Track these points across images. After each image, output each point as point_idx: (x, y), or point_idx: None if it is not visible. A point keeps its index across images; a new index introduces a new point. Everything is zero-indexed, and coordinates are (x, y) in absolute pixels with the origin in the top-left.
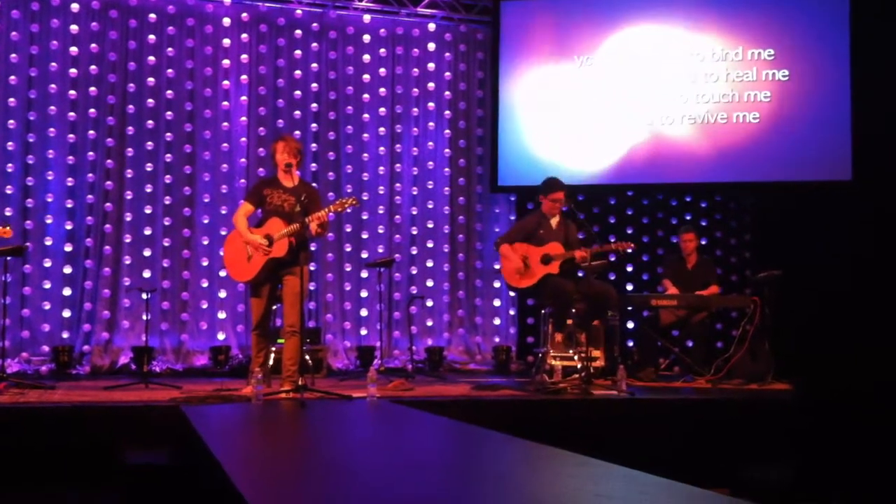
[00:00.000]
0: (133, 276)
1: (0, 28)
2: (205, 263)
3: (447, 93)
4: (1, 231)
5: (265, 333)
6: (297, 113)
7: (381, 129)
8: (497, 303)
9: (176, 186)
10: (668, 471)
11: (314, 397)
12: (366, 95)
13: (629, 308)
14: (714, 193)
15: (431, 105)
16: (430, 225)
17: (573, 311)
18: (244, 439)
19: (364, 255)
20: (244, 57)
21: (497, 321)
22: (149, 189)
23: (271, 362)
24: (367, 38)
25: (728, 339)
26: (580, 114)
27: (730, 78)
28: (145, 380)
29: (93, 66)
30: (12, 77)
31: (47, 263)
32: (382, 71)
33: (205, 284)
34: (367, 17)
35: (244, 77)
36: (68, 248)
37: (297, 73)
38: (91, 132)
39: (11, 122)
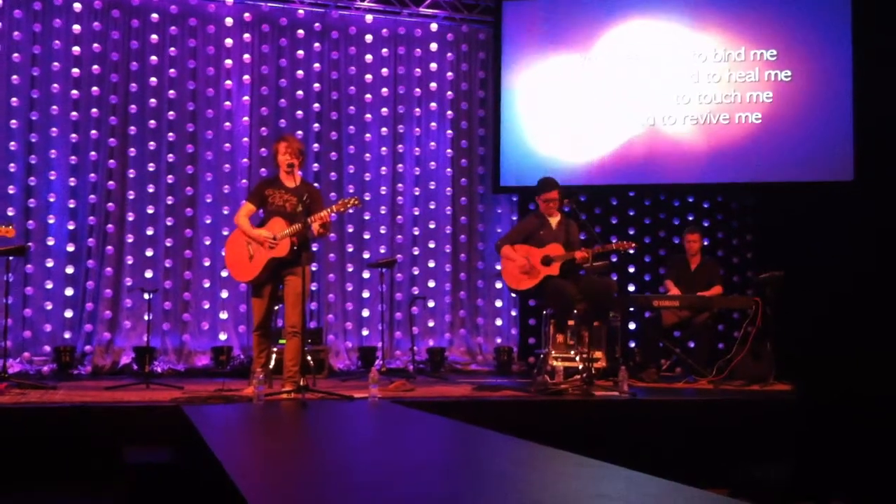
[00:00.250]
0: (135, 276)
1: (2, 27)
2: (207, 264)
3: (449, 93)
4: (3, 230)
5: (267, 334)
6: (300, 113)
7: (384, 130)
8: (499, 303)
9: (178, 186)
10: (669, 472)
11: (315, 398)
12: (368, 95)
13: (631, 309)
14: (716, 194)
15: (433, 105)
16: (432, 225)
17: (574, 311)
18: (246, 440)
19: (366, 255)
20: (246, 57)
21: (499, 322)
22: (151, 189)
23: (273, 363)
24: (369, 38)
25: (730, 339)
26: (582, 114)
27: (732, 78)
28: (147, 380)
29: (95, 66)
30: (15, 77)
31: (49, 263)
32: (384, 71)
33: (207, 285)
34: (369, 17)
35: (246, 77)
36: (70, 248)
37: (300, 73)
38: (93, 132)
39: (14, 121)
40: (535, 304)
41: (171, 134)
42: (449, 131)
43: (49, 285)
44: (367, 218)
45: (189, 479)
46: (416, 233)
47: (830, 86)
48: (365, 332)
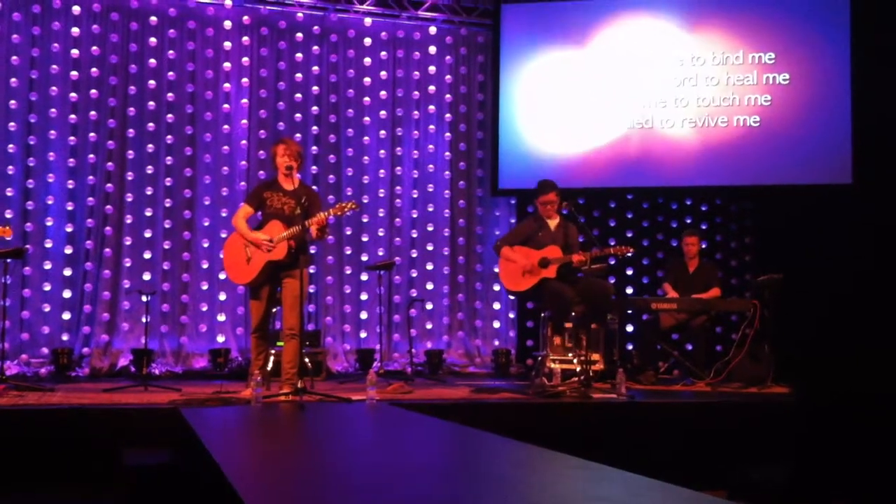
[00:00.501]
0: (133, 278)
1: (1, 30)
2: (205, 266)
3: (448, 96)
4: (0, 231)
5: (264, 336)
6: (298, 116)
7: (382, 132)
8: (497, 306)
9: (176, 189)
10: (667, 474)
11: (313, 400)
12: (366, 98)
13: (629, 311)
14: (714, 197)
15: (432, 108)
16: (431, 228)
17: (573, 314)
18: (243, 442)
19: (364, 257)
20: (245, 60)
21: (497, 324)
22: (149, 191)
23: (271, 365)
24: (367, 41)
25: (728, 342)
26: (581, 117)
27: (730, 81)
28: (145, 382)
29: (94, 69)
30: (13, 79)
31: (47, 266)
32: (383, 74)
33: (205, 287)
34: (367, 21)
35: (245, 80)
36: (68, 250)
37: (298, 75)
38: (92, 135)
39: (12, 124)
40: (533, 307)
41: (169, 136)
42: (447, 134)
43: (47, 287)
44: (365, 220)
45: (187, 482)
46: (415, 235)
47: (829, 89)
48: (363, 335)
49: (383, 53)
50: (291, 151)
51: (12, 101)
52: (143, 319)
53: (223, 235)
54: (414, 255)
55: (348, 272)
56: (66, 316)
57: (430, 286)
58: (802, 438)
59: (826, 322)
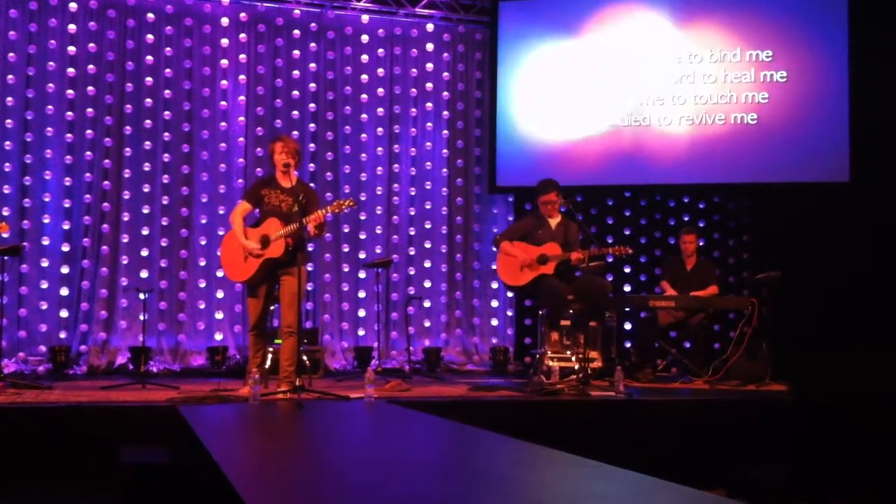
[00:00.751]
0: (130, 276)
1: None
2: (202, 264)
3: (445, 93)
4: None
5: (262, 334)
6: (296, 113)
7: (380, 130)
8: (495, 304)
9: (174, 186)
10: (665, 472)
11: (311, 398)
12: (364, 96)
13: (627, 309)
14: (712, 195)
15: (429, 105)
16: (428, 225)
17: (570, 311)
18: (241, 440)
19: (362, 255)
20: (242, 57)
21: (494, 322)
22: (146, 189)
23: (269, 363)
24: (365, 38)
25: (726, 340)
26: (579, 115)
27: (728, 79)
28: (142, 380)
29: (91, 66)
30: (10, 76)
31: (44, 263)
32: (381, 71)
33: (202, 285)
34: (365, 18)
35: (242, 77)
36: (66, 247)
37: (296, 73)
38: (89, 132)
39: (9, 121)
40: (531, 305)
41: (166, 134)
42: (445, 131)
43: (44, 285)
44: (362, 218)
45: (185, 479)
46: (412, 233)
47: (827, 87)
48: (361, 332)
49: (381, 50)
50: (289, 149)
51: (9, 98)
52: (141, 317)
53: (221, 233)
54: (412, 253)
55: (346, 270)
56: (64, 314)
57: (427, 284)
58: (800, 436)
59: (824, 320)
